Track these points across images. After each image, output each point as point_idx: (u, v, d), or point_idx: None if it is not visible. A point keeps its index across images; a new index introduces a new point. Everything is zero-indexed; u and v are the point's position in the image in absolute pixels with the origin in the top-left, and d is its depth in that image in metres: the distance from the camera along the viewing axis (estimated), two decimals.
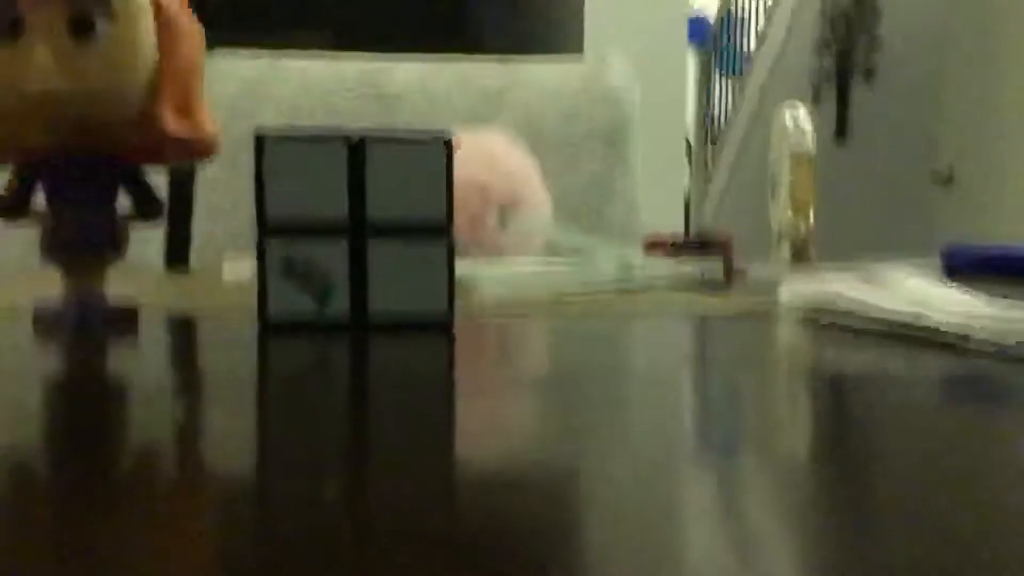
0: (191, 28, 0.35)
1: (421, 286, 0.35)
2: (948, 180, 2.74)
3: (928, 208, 2.82)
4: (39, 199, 0.36)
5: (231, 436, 0.19)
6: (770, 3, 4.28)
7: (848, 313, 0.37)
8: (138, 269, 0.56)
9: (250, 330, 0.37)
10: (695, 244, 0.75)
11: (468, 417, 0.22)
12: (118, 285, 0.37)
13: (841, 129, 3.45)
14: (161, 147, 0.35)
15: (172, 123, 0.34)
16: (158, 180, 0.36)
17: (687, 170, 2.95)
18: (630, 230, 1.24)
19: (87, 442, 0.19)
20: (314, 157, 0.34)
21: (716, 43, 4.84)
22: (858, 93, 3.40)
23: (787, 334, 0.39)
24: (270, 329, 0.35)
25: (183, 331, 0.37)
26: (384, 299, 0.35)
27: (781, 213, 0.83)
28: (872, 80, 3.33)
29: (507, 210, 0.71)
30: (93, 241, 0.35)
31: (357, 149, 0.35)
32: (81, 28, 0.32)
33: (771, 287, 0.45)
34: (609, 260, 0.62)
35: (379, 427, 0.21)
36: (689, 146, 4.24)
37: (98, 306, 0.35)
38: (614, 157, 1.24)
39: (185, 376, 0.30)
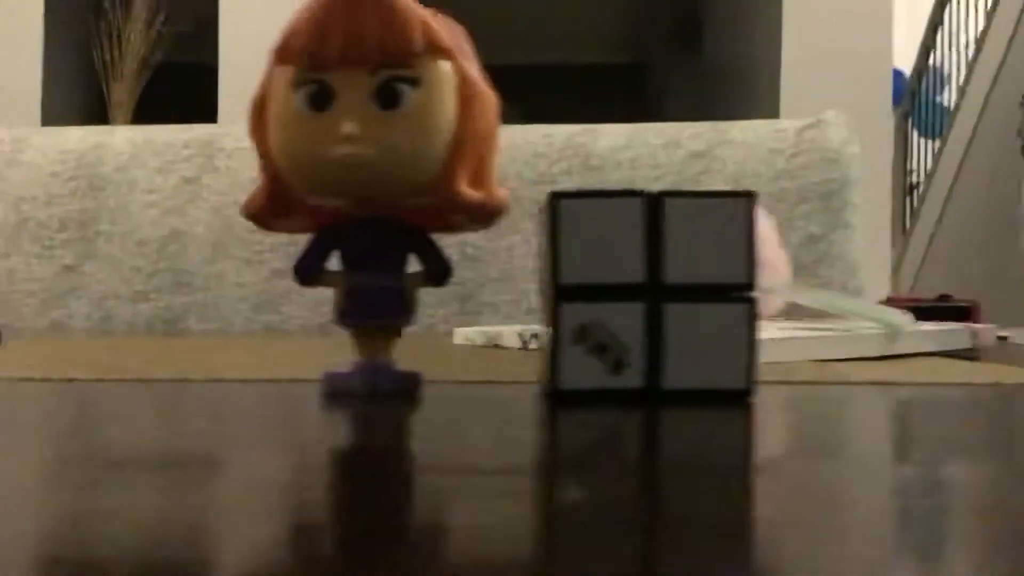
0: (488, 95, 0.35)
1: (721, 352, 0.33)
2: None
3: None
4: (332, 263, 0.36)
5: (516, 518, 0.17)
6: (971, 56, 4.07)
7: None
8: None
9: (532, 397, 0.36)
10: (941, 308, 0.69)
11: (772, 500, 0.20)
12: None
13: None
14: (453, 212, 0.35)
15: (468, 189, 0.34)
16: None
17: (890, 231, 2.80)
18: (849, 292, 1.17)
19: (376, 515, 0.17)
20: (609, 215, 0.33)
21: (914, 98, 4.64)
22: None
23: None
24: (561, 397, 0.33)
25: (468, 399, 0.36)
26: (681, 366, 0.33)
27: None
28: None
29: None
30: (385, 307, 0.35)
31: (654, 206, 0.33)
32: (388, 97, 0.33)
33: None
34: (870, 322, 0.58)
35: (678, 507, 0.18)
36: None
37: (388, 373, 0.35)
38: (832, 217, 1.19)
39: (475, 447, 0.28)
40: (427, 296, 0.36)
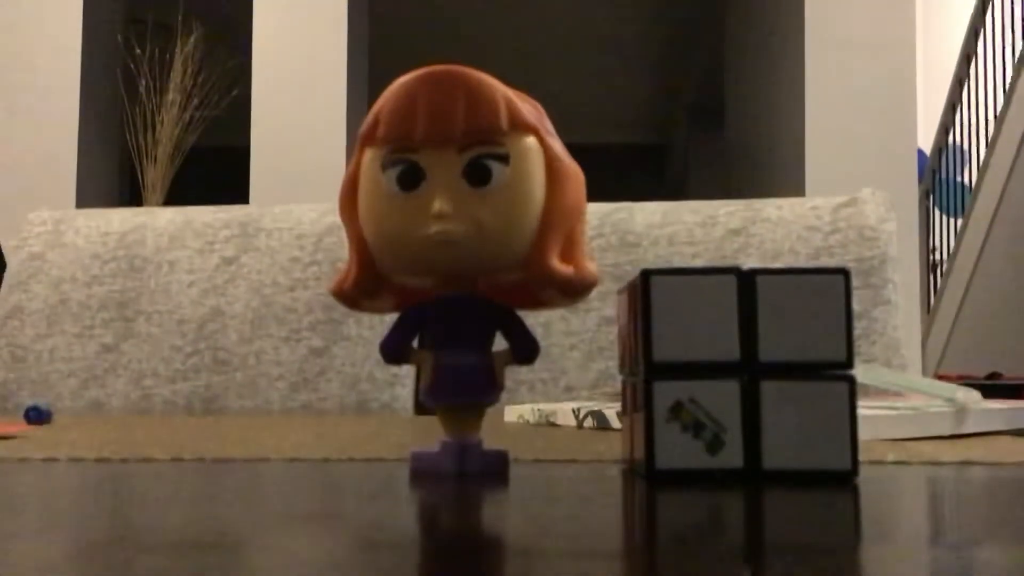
0: (574, 169, 0.35)
1: (821, 431, 0.32)
2: None
3: None
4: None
5: None
6: (991, 133, 4.09)
7: None
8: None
9: (624, 477, 0.35)
10: (994, 386, 0.68)
11: None
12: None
13: None
14: (543, 288, 0.34)
15: (559, 264, 0.34)
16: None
17: (919, 310, 2.79)
18: (893, 370, 1.16)
19: None
20: (702, 292, 0.33)
21: (934, 176, 4.66)
22: None
23: None
24: (657, 477, 0.32)
25: (558, 479, 0.35)
26: (781, 445, 0.32)
27: None
28: None
29: None
30: (473, 385, 0.34)
31: (747, 283, 0.33)
32: (477, 175, 0.33)
33: None
34: (937, 400, 0.57)
35: None
36: None
37: (476, 452, 0.34)
38: (873, 294, 1.18)
39: (568, 530, 0.27)
40: None
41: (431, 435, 0.46)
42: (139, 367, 1.22)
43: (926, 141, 4.55)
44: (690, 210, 1.28)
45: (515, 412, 0.72)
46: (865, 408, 0.55)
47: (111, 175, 3.20)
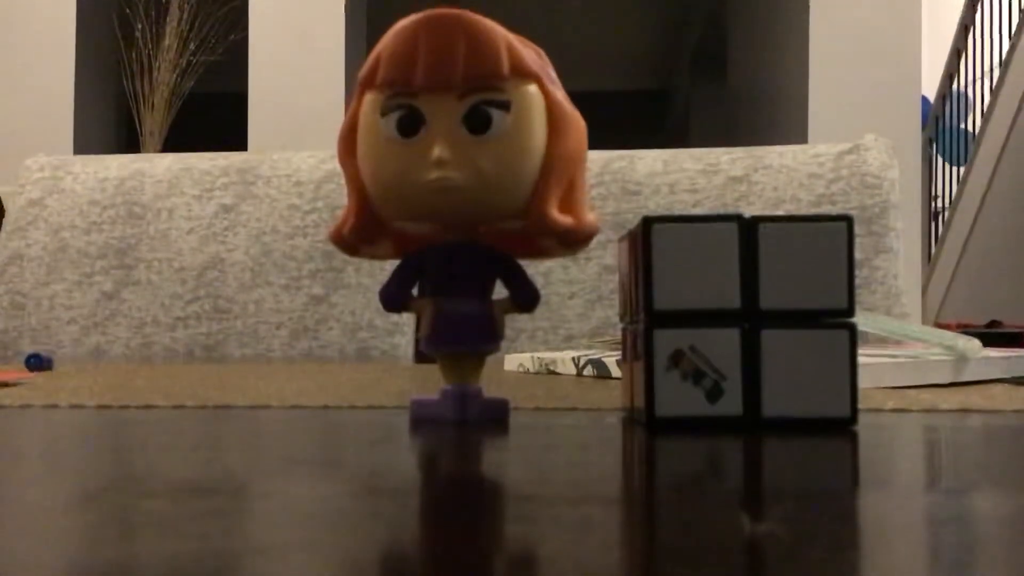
0: (576, 118, 0.34)
1: (821, 379, 0.32)
2: None
3: None
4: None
5: (610, 546, 0.17)
6: (995, 80, 4.06)
7: None
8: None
9: (624, 425, 0.35)
10: (993, 334, 0.68)
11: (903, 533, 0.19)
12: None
13: None
14: (542, 237, 0.34)
15: (558, 214, 0.33)
16: None
17: (920, 257, 2.78)
18: (893, 318, 1.16)
19: (466, 546, 0.17)
20: (703, 240, 0.32)
21: (937, 123, 4.62)
22: None
23: None
24: (657, 425, 0.33)
25: (558, 427, 0.35)
26: (781, 393, 0.32)
27: None
28: None
29: None
30: (474, 333, 0.34)
31: (749, 230, 0.32)
32: (478, 122, 0.32)
33: None
34: (937, 349, 0.57)
35: (783, 538, 0.18)
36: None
37: (477, 400, 0.34)
38: (875, 242, 1.18)
39: (568, 477, 0.28)
40: None
41: (431, 383, 0.47)
42: (139, 314, 1.22)
43: (930, 87, 4.51)
44: (691, 158, 1.27)
45: (515, 361, 0.72)
46: (865, 356, 0.55)
47: (108, 121, 3.18)
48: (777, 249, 0.32)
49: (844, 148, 1.23)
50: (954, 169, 4.55)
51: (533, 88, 0.34)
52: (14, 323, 1.24)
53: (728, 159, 1.24)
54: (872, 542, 0.18)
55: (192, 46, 2.71)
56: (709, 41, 4.98)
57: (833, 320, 0.32)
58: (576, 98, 0.35)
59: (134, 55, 2.70)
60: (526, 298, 0.35)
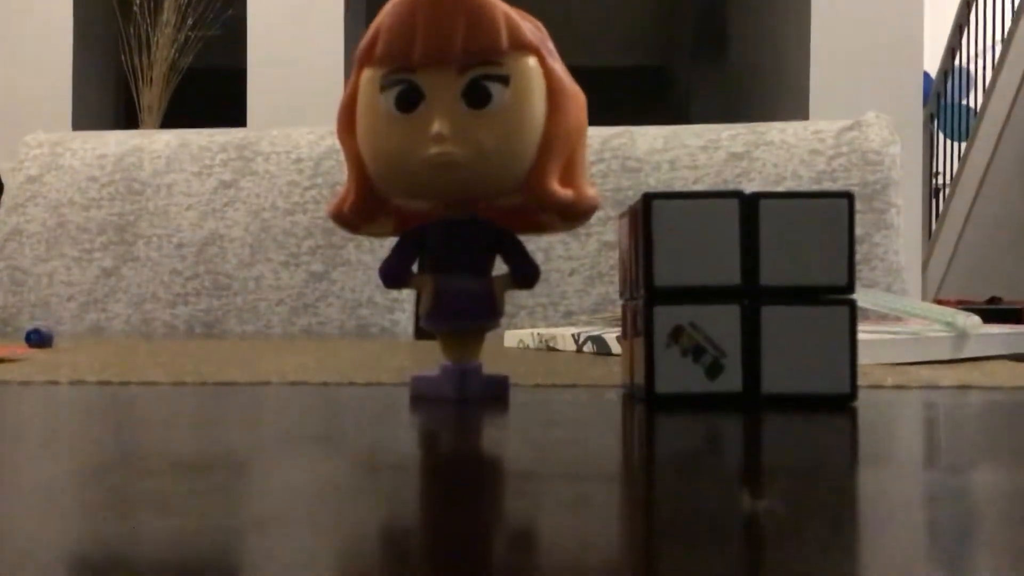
0: (576, 92, 0.34)
1: (821, 355, 0.32)
2: None
3: None
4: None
5: (609, 522, 0.17)
6: (998, 56, 4.04)
7: None
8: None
9: (624, 401, 0.35)
10: (993, 311, 0.68)
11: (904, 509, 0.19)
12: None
13: None
14: (543, 212, 0.34)
15: (559, 188, 0.33)
16: None
17: (920, 233, 2.78)
18: (893, 294, 1.16)
19: (481, 521, 0.17)
20: (704, 217, 0.32)
21: (939, 100, 4.61)
22: None
23: None
24: (656, 401, 0.33)
25: (558, 403, 0.35)
26: (780, 370, 0.32)
27: None
28: None
29: None
30: (474, 309, 0.34)
31: (750, 207, 0.32)
32: (477, 96, 0.32)
33: None
34: (936, 325, 0.57)
35: (782, 514, 0.18)
36: None
37: (477, 376, 0.34)
38: (875, 218, 1.17)
39: (568, 453, 0.28)
40: None
41: (431, 359, 0.47)
42: (139, 291, 1.22)
43: (932, 64, 4.49)
44: (692, 134, 1.27)
45: (515, 337, 0.72)
46: (865, 332, 0.55)
47: (107, 97, 3.16)
48: (777, 225, 0.32)
49: (845, 124, 1.22)
50: (955, 145, 4.53)
51: (532, 62, 0.33)
52: (14, 298, 1.24)
53: (729, 135, 1.24)
54: (871, 518, 0.18)
55: (190, 21, 2.70)
56: (710, 17, 4.95)
57: (833, 297, 0.32)
58: (576, 74, 0.35)
59: (132, 30, 2.69)
60: (526, 274, 0.35)
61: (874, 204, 1.18)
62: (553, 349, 0.67)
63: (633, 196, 1.21)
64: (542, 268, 0.36)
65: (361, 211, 0.35)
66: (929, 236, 4.50)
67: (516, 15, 0.34)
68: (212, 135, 1.30)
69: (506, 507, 0.19)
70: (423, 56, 0.32)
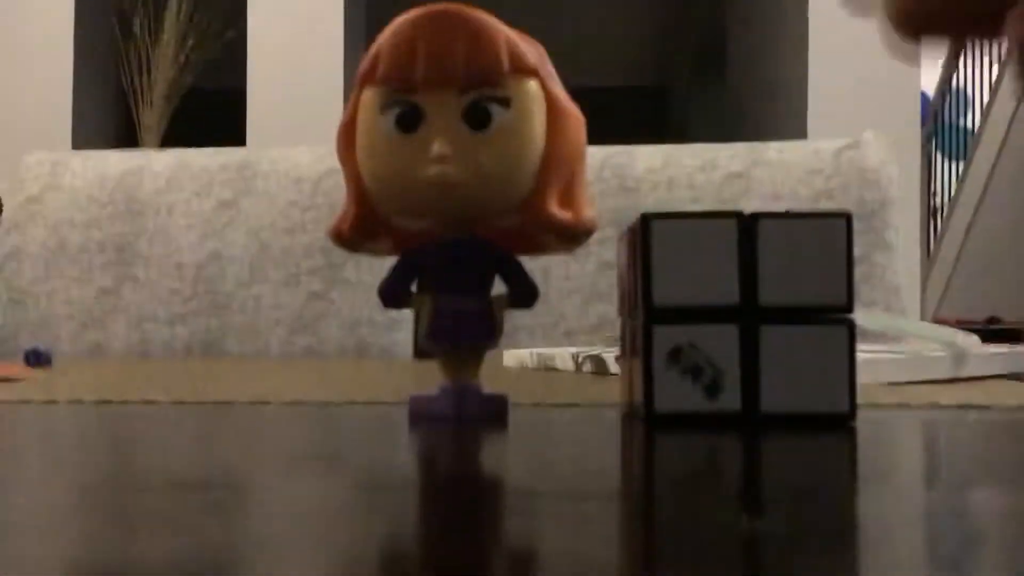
0: (575, 114, 0.34)
1: (819, 375, 0.32)
2: None
3: None
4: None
5: (609, 541, 0.17)
6: (995, 77, 4.06)
7: None
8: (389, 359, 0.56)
9: (623, 420, 0.35)
10: (993, 331, 0.68)
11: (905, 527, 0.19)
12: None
13: None
14: (542, 233, 0.34)
15: (558, 210, 0.33)
16: None
17: (919, 253, 2.78)
18: (892, 314, 1.16)
19: (463, 543, 0.17)
20: (702, 237, 0.32)
21: (937, 119, 4.62)
22: None
23: None
24: (655, 420, 0.33)
25: (558, 422, 0.35)
26: (779, 390, 0.32)
27: None
28: None
29: None
30: (473, 329, 0.34)
31: (748, 227, 0.32)
32: (477, 118, 0.32)
33: None
34: (935, 344, 0.57)
35: (782, 533, 0.18)
36: None
37: (475, 396, 0.34)
38: (873, 238, 1.18)
39: (567, 472, 0.28)
40: None
41: (430, 379, 0.47)
42: (138, 310, 1.22)
43: (929, 84, 4.51)
44: (690, 154, 1.27)
45: (514, 357, 0.72)
46: (864, 352, 0.55)
47: (107, 117, 3.17)
48: (776, 245, 0.32)
49: (843, 144, 1.23)
50: (953, 165, 4.55)
51: (533, 84, 0.34)
52: (13, 318, 1.24)
53: (727, 155, 1.24)
54: (871, 538, 0.18)
55: (191, 41, 2.71)
56: (709, 38, 4.98)
57: (832, 316, 0.32)
58: (575, 94, 0.35)
59: (133, 50, 2.70)
60: (525, 294, 0.35)
61: (872, 223, 1.18)
62: (552, 369, 0.67)
63: (631, 216, 1.21)
64: (541, 288, 0.36)
65: (360, 231, 0.35)
66: (928, 256, 4.50)
67: (517, 37, 0.34)
68: (212, 155, 1.30)
69: (506, 526, 0.19)
70: (424, 77, 0.32)
